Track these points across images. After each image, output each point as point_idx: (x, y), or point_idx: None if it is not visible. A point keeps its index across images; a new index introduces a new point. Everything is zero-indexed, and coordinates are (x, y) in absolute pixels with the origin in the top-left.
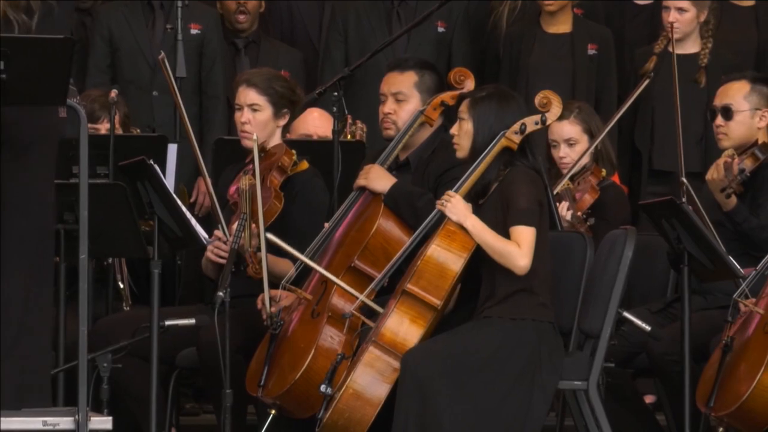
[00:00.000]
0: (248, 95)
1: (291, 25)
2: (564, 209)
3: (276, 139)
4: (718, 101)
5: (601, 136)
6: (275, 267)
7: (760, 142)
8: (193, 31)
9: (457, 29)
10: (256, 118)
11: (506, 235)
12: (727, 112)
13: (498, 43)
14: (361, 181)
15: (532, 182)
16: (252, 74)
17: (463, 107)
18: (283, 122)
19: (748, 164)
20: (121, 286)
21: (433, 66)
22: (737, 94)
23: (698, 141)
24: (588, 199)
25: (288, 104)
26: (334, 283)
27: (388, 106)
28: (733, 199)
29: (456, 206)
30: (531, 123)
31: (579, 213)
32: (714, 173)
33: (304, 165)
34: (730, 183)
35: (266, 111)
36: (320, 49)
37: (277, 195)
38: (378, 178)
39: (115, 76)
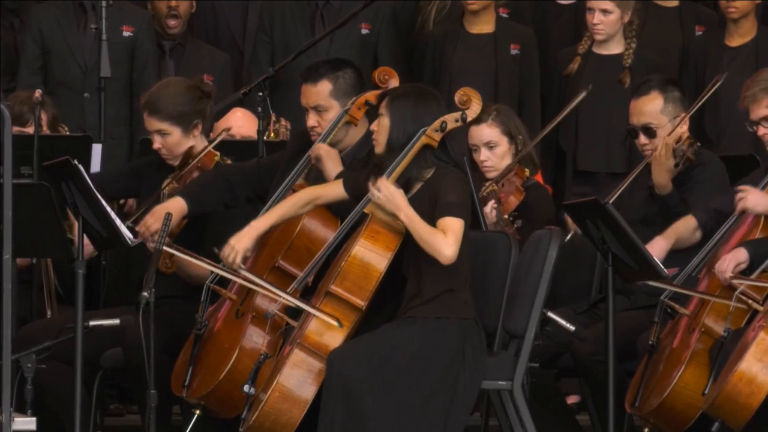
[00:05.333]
0: (152, 123)
1: (215, 26)
2: (491, 211)
3: (200, 145)
4: (636, 121)
5: (535, 141)
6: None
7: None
8: (126, 33)
9: (383, 30)
10: (168, 142)
11: None
12: (649, 131)
13: (425, 44)
14: (317, 152)
15: (460, 180)
16: (153, 97)
17: (383, 103)
18: (197, 132)
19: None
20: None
21: (347, 63)
22: (653, 109)
23: (623, 141)
24: (513, 200)
25: (195, 116)
26: (256, 287)
27: (312, 120)
28: (670, 185)
29: (394, 197)
30: (451, 120)
31: (505, 215)
32: (662, 151)
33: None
34: (685, 152)
35: (175, 133)
36: (244, 49)
37: None
38: (333, 158)
39: (46, 78)
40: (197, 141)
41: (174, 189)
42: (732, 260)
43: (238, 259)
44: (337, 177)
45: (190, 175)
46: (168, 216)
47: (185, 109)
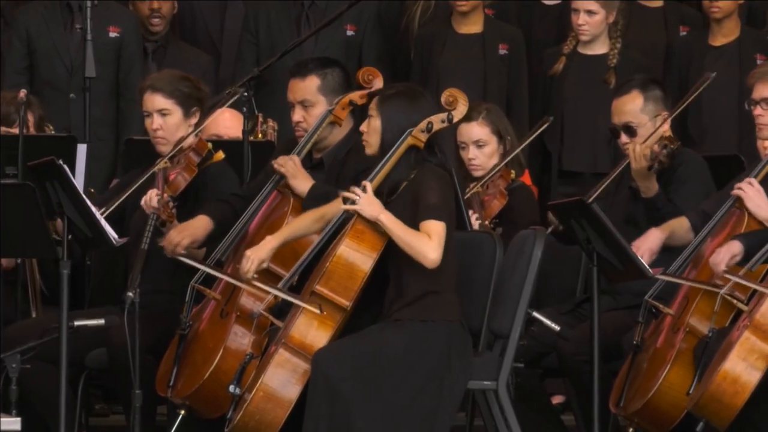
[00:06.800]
0: (155, 101)
1: (193, 27)
2: (472, 218)
3: (191, 138)
4: (617, 120)
5: (520, 148)
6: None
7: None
8: (112, 34)
9: (369, 31)
10: (167, 123)
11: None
12: (630, 130)
13: (410, 44)
14: (281, 170)
15: (442, 180)
16: (155, 79)
17: (373, 104)
18: (194, 120)
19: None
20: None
21: (335, 62)
22: (634, 108)
23: (608, 141)
24: (496, 205)
25: (196, 102)
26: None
27: (297, 114)
28: (655, 185)
29: (370, 204)
30: (437, 121)
31: (486, 222)
32: (637, 159)
33: (220, 156)
34: (658, 155)
35: (176, 114)
36: (222, 51)
37: (190, 168)
38: (299, 177)
39: (32, 78)
40: (190, 136)
41: (167, 166)
42: (727, 253)
43: (254, 268)
44: (311, 190)
45: (185, 156)
46: (153, 216)
47: (188, 91)
